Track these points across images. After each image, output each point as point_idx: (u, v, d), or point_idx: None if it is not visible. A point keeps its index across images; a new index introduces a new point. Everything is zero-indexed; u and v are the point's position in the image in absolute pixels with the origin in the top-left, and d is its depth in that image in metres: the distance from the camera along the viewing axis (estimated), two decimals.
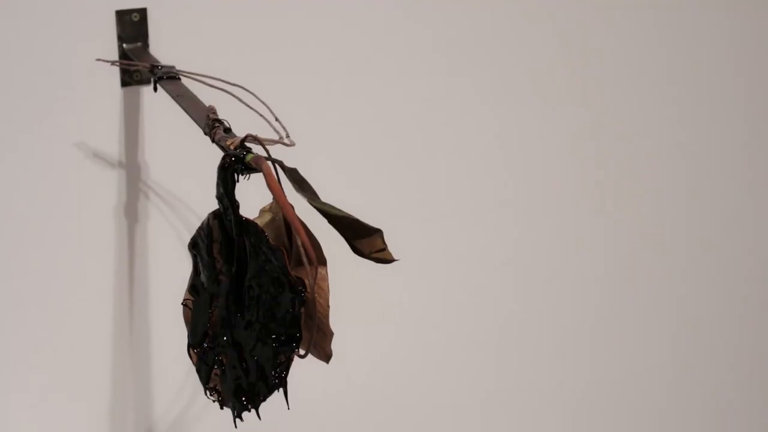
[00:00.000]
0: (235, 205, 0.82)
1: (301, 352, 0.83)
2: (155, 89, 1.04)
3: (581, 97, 1.40)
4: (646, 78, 1.42)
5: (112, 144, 1.16)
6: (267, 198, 0.79)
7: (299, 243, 0.77)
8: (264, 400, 0.85)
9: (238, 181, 0.80)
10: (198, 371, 0.89)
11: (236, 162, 0.79)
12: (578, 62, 1.38)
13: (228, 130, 0.85)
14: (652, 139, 1.45)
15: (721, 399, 1.62)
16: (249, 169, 0.79)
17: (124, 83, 1.14)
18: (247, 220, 0.82)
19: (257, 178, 0.77)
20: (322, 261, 0.81)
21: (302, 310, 0.80)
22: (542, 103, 1.37)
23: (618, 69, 1.40)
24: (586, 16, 1.36)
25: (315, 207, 0.76)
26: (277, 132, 0.86)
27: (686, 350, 1.58)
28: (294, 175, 0.79)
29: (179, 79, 1.03)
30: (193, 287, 0.89)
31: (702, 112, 1.48)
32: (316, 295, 0.80)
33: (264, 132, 0.83)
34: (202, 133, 0.87)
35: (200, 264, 0.87)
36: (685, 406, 1.61)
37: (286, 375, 0.83)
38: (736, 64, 1.48)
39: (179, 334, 0.89)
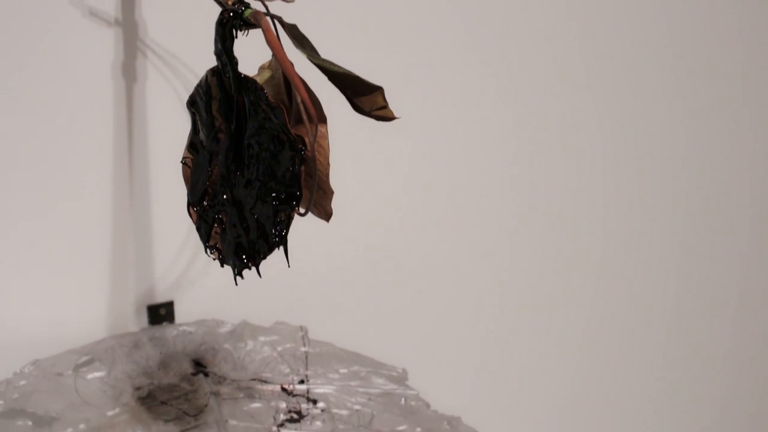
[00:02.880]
0: (233, 62, 0.81)
1: (301, 210, 0.83)
2: None
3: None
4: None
5: (108, 0, 1.14)
6: (266, 55, 0.78)
7: (299, 100, 0.76)
8: (264, 257, 0.85)
9: (236, 37, 0.79)
10: (198, 229, 0.89)
11: (234, 17, 0.78)
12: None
13: None
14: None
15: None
16: (247, 24, 0.78)
17: None
18: (246, 77, 0.81)
19: (256, 34, 0.76)
20: (322, 119, 0.80)
21: (302, 168, 0.80)
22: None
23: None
24: None
25: (315, 63, 0.75)
26: None
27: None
28: (293, 32, 0.78)
29: None
30: (192, 145, 0.88)
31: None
32: (316, 153, 0.80)
33: None
34: None
35: (199, 122, 0.87)
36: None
37: (287, 233, 0.83)
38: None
39: (179, 192, 0.89)
